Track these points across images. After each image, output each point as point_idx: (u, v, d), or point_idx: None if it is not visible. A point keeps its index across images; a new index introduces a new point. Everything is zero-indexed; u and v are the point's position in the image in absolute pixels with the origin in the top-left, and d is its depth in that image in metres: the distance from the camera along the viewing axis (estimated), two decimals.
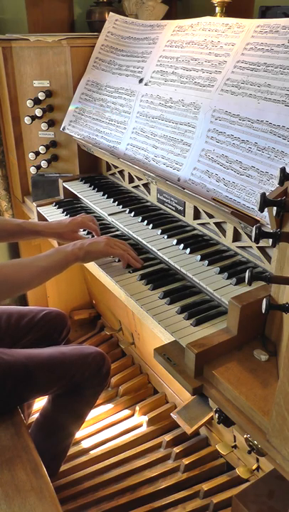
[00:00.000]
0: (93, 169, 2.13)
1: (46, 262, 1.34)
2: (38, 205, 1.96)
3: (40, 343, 1.69)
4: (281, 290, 1.05)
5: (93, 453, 1.94)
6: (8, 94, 2.09)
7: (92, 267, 1.54)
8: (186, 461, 1.85)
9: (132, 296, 1.31)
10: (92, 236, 1.64)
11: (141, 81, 1.77)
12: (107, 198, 1.84)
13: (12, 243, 2.61)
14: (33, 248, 2.50)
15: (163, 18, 2.37)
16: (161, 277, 1.38)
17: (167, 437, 1.97)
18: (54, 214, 1.88)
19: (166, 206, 1.69)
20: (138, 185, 1.84)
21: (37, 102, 2.01)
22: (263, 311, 0.91)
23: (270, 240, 0.94)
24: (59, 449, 1.74)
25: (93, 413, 2.03)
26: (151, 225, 1.58)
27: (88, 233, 1.68)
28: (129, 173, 1.88)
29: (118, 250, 1.42)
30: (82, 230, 1.67)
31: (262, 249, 1.29)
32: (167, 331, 1.16)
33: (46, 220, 1.87)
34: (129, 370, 2.33)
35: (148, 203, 1.78)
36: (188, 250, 1.41)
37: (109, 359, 1.70)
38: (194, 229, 1.56)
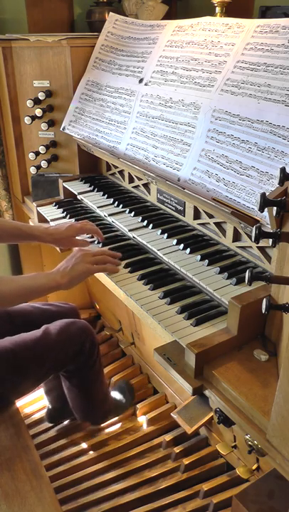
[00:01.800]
0: (93, 169, 2.13)
1: (28, 283, 1.34)
2: (38, 205, 1.96)
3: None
4: (281, 290, 1.05)
5: (93, 453, 1.94)
6: (8, 94, 2.09)
7: None
8: (186, 461, 1.85)
9: (132, 296, 1.31)
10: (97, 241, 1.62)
11: (141, 81, 1.77)
12: (107, 198, 1.84)
13: (12, 244, 2.61)
14: (32, 249, 2.50)
15: (163, 18, 2.37)
16: (161, 277, 1.38)
17: (167, 437, 1.97)
18: (54, 214, 1.88)
19: (166, 206, 1.69)
20: (138, 185, 1.84)
21: (37, 102, 2.02)
22: (263, 311, 0.91)
23: (270, 240, 0.94)
24: (96, 400, 1.87)
25: None
26: (151, 225, 1.58)
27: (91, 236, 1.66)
28: (129, 173, 1.88)
29: (97, 267, 1.40)
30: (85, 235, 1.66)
31: (262, 249, 1.29)
32: (167, 331, 1.16)
33: (46, 220, 1.87)
34: (129, 370, 2.33)
35: (148, 203, 1.78)
36: (188, 250, 1.41)
37: (92, 331, 1.73)
38: (194, 229, 1.56)
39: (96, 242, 1.62)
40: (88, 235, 1.66)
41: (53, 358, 1.59)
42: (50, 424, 2.07)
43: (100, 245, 1.59)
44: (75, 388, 1.80)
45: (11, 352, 1.48)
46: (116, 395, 2.12)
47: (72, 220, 1.80)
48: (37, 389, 1.94)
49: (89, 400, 1.84)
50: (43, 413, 2.14)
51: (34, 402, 2.19)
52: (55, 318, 1.70)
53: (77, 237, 1.59)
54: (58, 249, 1.77)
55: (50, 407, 2.03)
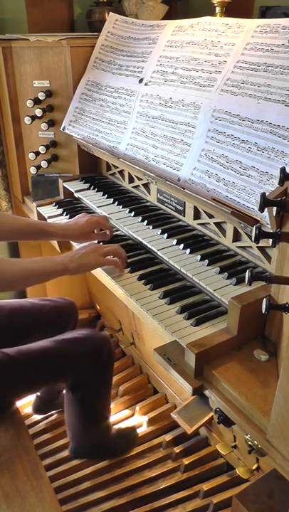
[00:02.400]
0: (93, 169, 2.13)
1: (32, 265, 1.32)
2: (38, 205, 1.96)
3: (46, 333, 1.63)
4: (281, 290, 1.05)
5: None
6: (8, 94, 2.09)
7: None
8: (186, 461, 1.85)
9: (132, 296, 1.31)
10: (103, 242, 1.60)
11: (141, 81, 1.77)
12: (107, 198, 1.84)
13: (12, 243, 2.60)
14: (32, 248, 2.50)
15: (163, 18, 2.37)
16: (161, 277, 1.38)
17: (167, 437, 1.97)
18: (54, 214, 1.88)
19: (166, 206, 1.69)
20: (138, 185, 1.84)
21: (37, 102, 2.01)
22: (263, 311, 0.91)
23: (270, 240, 0.94)
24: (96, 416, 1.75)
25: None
26: (151, 225, 1.58)
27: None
28: (129, 173, 1.88)
29: (109, 260, 1.40)
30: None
31: (262, 249, 1.29)
32: (167, 331, 1.16)
33: (46, 220, 1.87)
34: (129, 370, 2.33)
35: (148, 203, 1.78)
36: (188, 250, 1.41)
37: (109, 340, 1.64)
38: (194, 229, 1.56)
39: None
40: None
41: (61, 372, 1.54)
42: (51, 424, 2.07)
43: (96, 241, 1.60)
44: (76, 403, 1.66)
45: (15, 361, 1.43)
46: (117, 437, 1.91)
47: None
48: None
49: (86, 417, 1.71)
50: None
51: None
52: (54, 313, 1.68)
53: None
54: (57, 248, 1.77)
55: (39, 396, 1.98)
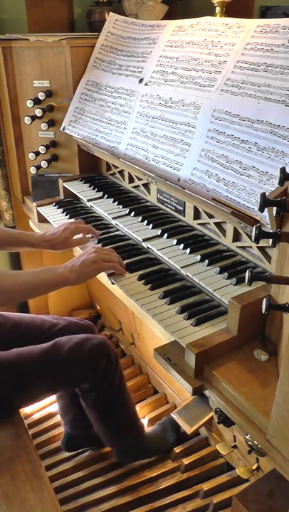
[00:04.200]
0: (93, 169, 2.13)
1: (32, 277, 1.30)
2: (38, 205, 1.96)
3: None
4: (281, 290, 1.05)
5: (93, 453, 1.94)
6: (8, 94, 2.09)
7: None
8: (186, 461, 1.85)
9: (132, 296, 1.31)
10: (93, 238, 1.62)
11: (141, 81, 1.77)
12: (107, 198, 1.84)
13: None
14: (33, 252, 2.49)
15: (163, 18, 2.37)
16: (161, 277, 1.38)
17: None
18: (54, 214, 1.88)
19: (166, 206, 1.69)
20: (138, 185, 1.84)
21: (37, 102, 2.02)
22: (263, 311, 0.91)
23: (270, 240, 0.94)
24: (124, 420, 1.72)
25: None
26: (151, 225, 1.58)
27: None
28: (129, 173, 1.88)
29: (109, 264, 1.39)
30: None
31: (262, 249, 1.29)
32: (167, 331, 1.16)
33: (46, 221, 1.88)
34: (129, 370, 2.33)
35: (148, 203, 1.78)
36: (188, 250, 1.41)
37: (111, 347, 1.59)
38: (194, 229, 1.56)
39: (92, 239, 1.63)
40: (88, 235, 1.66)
41: (61, 375, 1.51)
42: (51, 424, 2.07)
43: (96, 242, 1.60)
44: (93, 410, 1.65)
45: (13, 364, 1.42)
46: (156, 431, 1.91)
47: (72, 220, 1.79)
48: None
49: (110, 422, 1.69)
50: (43, 413, 2.14)
51: None
52: (66, 334, 1.61)
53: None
54: None
55: (67, 431, 1.85)
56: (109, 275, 1.41)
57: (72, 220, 1.79)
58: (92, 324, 1.77)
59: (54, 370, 1.48)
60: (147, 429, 1.92)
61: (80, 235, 1.61)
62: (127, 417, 1.73)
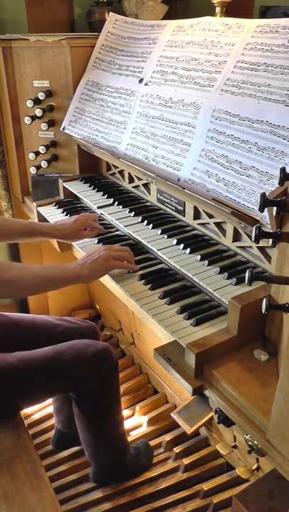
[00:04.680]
0: (93, 169, 2.13)
1: (42, 271, 1.30)
2: (38, 205, 1.96)
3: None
4: (281, 290, 1.05)
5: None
6: (8, 94, 2.09)
7: None
8: (186, 461, 1.85)
9: (132, 296, 1.31)
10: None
11: (141, 81, 1.77)
12: (107, 198, 1.84)
13: (12, 243, 2.61)
14: (32, 249, 2.50)
15: (163, 18, 2.37)
16: (161, 277, 1.38)
17: (167, 437, 1.97)
18: (54, 214, 1.88)
19: (166, 206, 1.69)
20: (138, 185, 1.84)
21: (37, 102, 2.02)
22: (263, 311, 0.91)
23: (270, 240, 0.94)
24: (104, 440, 1.67)
25: None
26: (151, 225, 1.58)
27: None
28: (129, 173, 1.88)
29: (118, 263, 1.39)
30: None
31: (262, 249, 1.29)
32: (167, 331, 1.16)
33: (46, 221, 1.87)
34: (129, 370, 2.33)
35: (148, 203, 1.78)
36: (188, 250, 1.41)
37: (111, 351, 1.56)
38: (194, 229, 1.56)
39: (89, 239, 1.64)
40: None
41: (62, 380, 1.49)
42: (51, 424, 2.06)
43: (96, 242, 1.61)
44: (84, 417, 1.60)
45: (15, 368, 1.40)
46: (131, 454, 1.84)
47: None
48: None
49: (98, 433, 1.64)
50: (43, 413, 2.14)
51: None
52: (69, 336, 1.61)
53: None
54: (57, 248, 1.77)
55: (58, 428, 1.85)
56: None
57: None
58: (95, 325, 1.76)
59: (56, 376, 1.47)
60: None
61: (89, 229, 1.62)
62: (116, 431, 1.69)
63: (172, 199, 1.64)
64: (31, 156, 2.11)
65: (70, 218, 1.62)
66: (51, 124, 2.07)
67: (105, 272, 1.38)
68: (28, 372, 1.42)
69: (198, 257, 1.37)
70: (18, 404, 1.48)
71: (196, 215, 1.55)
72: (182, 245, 1.44)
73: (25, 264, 1.32)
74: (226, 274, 1.28)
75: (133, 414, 2.14)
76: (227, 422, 1.09)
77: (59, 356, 1.47)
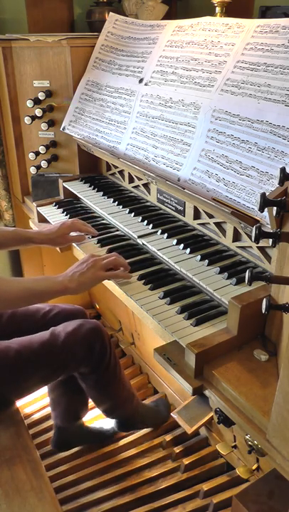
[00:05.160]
0: (93, 169, 2.13)
1: (31, 284, 1.32)
2: (38, 205, 1.96)
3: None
4: (281, 290, 1.05)
5: (93, 453, 1.94)
6: (8, 94, 2.09)
7: None
8: (186, 461, 1.85)
9: (132, 296, 1.31)
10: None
11: (141, 81, 1.77)
12: (107, 198, 1.84)
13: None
14: (32, 250, 2.50)
15: (163, 18, 2.37)
16: (161, 277, 1.38)
17: (167, 437, 1.97)
18: (54, 214, 1.88)
19: (166, 206, 1.69)
20: (138, 185, 1.84)
21: (37, 102, 2.02)
22: (263, 311, 0.91)
23: (270, 240, 0.94)
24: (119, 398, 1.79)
25: (92, 413, 2.02)
26: (151, 225, 1.58)
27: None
28: (129, 173, 1.88)
29: (108, 273, 1.38)
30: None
31: (262, 249, 1.29)
32: (167, 331, 1.16)
33: (46, 221, 1.88)
34: (129, 370, 2.33)
35: (148, 203, 1.78)
36: (188, 250, 1.41)
37: (104, 330, 1.62)
38: (194, 229, 1.56)
39: (89, 238, 1.65)
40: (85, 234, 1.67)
41: (61, 361, 1.53)
42: (51, 424, 2.06)
43: (96, 242, 1.60)
44: (93, 390, 1.73)
45: (16, 353, 1.44)
46: (151, 406, 2.05)
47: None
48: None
49: (111, 398, 1.77)
50: (43, 413, 2.14)
51: (34, 402, 2.19)
52: (60, 320, 1.65)
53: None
54: (57, 249, 1.77)
55: (57, 425, 1.85)
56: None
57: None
58: (83, 309, 1.80)
59: (54, 357, 1.51)
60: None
61: (78, 233, 1.64)
62: (125, 390, 1.80)
63: (172, 199, 1.64)
64: (31, 156, 2.11)
65: (56, 223, 1.64)
66: (51, 124, 2.07)
67: (94, 284, 1.40)
68: (29, 357, 1.46)
69: (198, 257, 1.37)
70: (17, 391, 1.51)
71: (196, 215, 1.55)
72: (182, 245, 1.44)
73: (13, 278, 1.34)
74: (226, 274, 1.28)
75: None
76: (227, 422, 1.09)
77: (54, 339, 1.51)
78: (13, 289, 1.29)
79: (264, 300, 0.91)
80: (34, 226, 2.00)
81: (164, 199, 1.68)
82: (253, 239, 0.90)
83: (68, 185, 1.99)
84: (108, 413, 1.85)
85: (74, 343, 1.53)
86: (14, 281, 1.35)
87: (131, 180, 1.89)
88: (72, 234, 1.64)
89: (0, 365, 1.42)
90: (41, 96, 2.00)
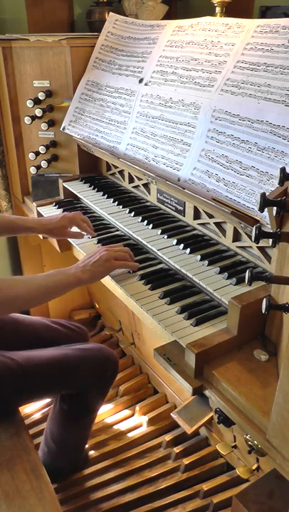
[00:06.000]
0: (93, 169, 2.13)
1: (45, 280, 1.29)
2: (38, 205, 1.96)
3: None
4: (281, 290, 1.05)
5: (93, 453, 1.94)
6: (8, 94, 2.08)
7: None
8: (186, 461, 1.85)
9: (132, 296, 1.31)
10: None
11: (141, 81, 1.77)
12: (107, 198, 1.84)
13: (11, 243, 2.61)
14: (32, 249, 2.50)
15: (163, 18, 2.37)
16: (161, 277, 1.38)
17: (167, 437, 1.97)
18: (54, 214, 1.88)
19: (166, 206, 1.69)
20: (138, 185, 1.84)
21: (37, 102, 2.02)
22: (263, 311, 0.91)
23: (270, 240, 0.94)
24: (76, 440, 1.73)
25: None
26: (151, 225, 1.58)
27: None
28: (129, 173, 1.88)
29: (119, 262, 1.38)
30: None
31: (262, 249, 1.29)
32: (167, 331, 1.16)
33: None
34: (129, 370, 2.33)
35: (148, 203, 1.78)
36: (188, 250, 1.41)
37: (117, 358, 1.64)
38: (194, 229, 1.56)
39: (88, 238, 1.65)
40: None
41: (66, 382, 1.52)
42: None
43: (96, 242, 1.60)
44: (69, 415, 1.62)
45: (22, 366, 1.42)
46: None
47: None
48: None
49: (79, 432, 1.70)
50: (43, 413, 2.14)
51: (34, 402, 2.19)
52: (63, 335, 1.65)
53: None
54: (57, 248, 1.77)
55: (45, 450, 1.72)
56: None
57: None
58: (86, 330, 1.78)
59: (61, 378, 1.50)
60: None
61: (77, 230, 1.63)
62: (87, 436, 1.78)
63: (172, 199, 1.64)
64: (31, 156, 2.11)
65: (58, 214, 1.62)
66: (51, 124, 2.07)
67: (107, 273, 1.38)
68: (35, 371, 1.43)
69: (198, 257, 1.37)
70: (20, 401, 1.50)
71: (196, 215, 1.55)
72: (182, 245, 1.44)
73: (27, 276, 1.32)
74: (226, 274, 1.28)
75: (133, 414, 2.14)
76: (227, 422, 1.09)
77: (66, 358, 1.49)
78: (31, 289, 1.27)
79: (264, 300, 0.91)
80: None
81: (164, 199, 1.68)
82: (253, 239, 0.90)
83: (68, 185, 1.99)
84: (69, 449, 1.73)
85: (85, 368, 1.52)
86: (27, 279, 1.32)
87: (131, 180, 1.89)
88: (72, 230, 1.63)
89: (4, 377, 1.40)
90: (41, 96, 2.00)
